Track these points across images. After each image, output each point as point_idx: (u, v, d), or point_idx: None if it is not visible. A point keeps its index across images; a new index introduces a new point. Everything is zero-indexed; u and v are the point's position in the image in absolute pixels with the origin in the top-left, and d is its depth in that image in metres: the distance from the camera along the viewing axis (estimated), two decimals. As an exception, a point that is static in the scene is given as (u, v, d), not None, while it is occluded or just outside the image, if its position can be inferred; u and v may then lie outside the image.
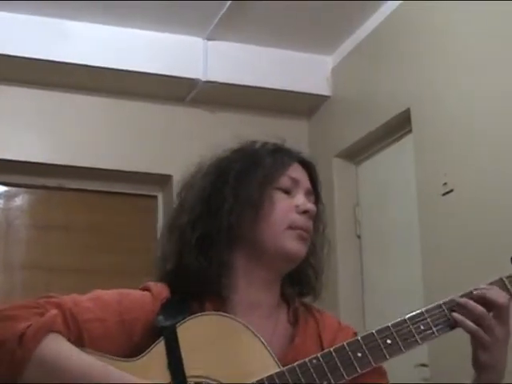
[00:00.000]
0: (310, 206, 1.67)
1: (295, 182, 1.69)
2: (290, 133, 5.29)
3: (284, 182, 1.68)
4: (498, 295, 1.58)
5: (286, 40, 4.50)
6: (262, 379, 1.45)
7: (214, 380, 1.45)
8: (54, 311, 1.45)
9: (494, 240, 3.14)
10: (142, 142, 4.57)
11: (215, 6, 4.10)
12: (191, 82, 4.50)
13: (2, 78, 4.32)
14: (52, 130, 4.43)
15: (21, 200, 4.55)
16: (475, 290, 1.61)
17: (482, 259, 3.18)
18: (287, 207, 1.66)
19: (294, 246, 1.64)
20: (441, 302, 1.60)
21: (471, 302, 1.58)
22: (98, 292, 1.58)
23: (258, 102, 4.69)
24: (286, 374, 1.45)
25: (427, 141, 3.67)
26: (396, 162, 4.13)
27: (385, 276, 4.12)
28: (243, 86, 4.54)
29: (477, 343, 1.56)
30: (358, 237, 4.39)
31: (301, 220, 1.65)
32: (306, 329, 1.66)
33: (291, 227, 1.64)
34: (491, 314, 1.56)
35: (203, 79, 4.46)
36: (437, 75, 3.63)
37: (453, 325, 1.57)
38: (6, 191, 4.54)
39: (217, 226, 1.62)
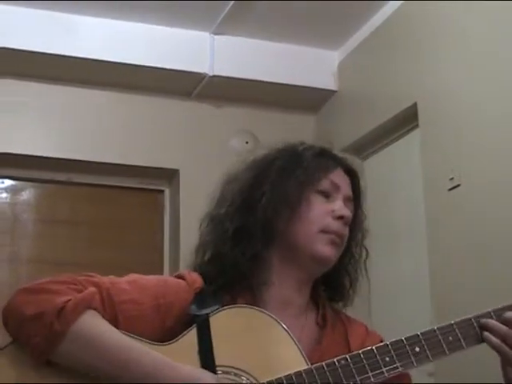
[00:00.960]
0: (346, 211, 1.68)
1: (336, 186, 1.70)
2: (297, 127, 5.30)
3: (324, 185, 1.69)
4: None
5: (293, 35, 4.50)
6: (289, 374, 1.46)
7: (243, 371, 1.48)
8: (92, 289, 1.48)
9: (501, 235, 3.14)
10: (148, 136, 4.57)
11: (222, 0, 4.10)
12: (198, 77, 4.50)
13: (9, 73, 4.33)
14: (59, 124, 4.44)
15: (28, 194, 4.56)
16: (497, 310, 1.62)
17: (489, 254, 3.17)
18: (323, 211, 1.67)
19: (325, 249, 1.65)
20: (471, 316, 1.62)
21: (495, 323, 1.60)
22: (136, 276, 1.61)
23: (265, 96, 4.69)
24: (314, 371, 1.47)
25: (434, 135, 3.66)
26: (403, 156, 4.12)
27: (391, 271, 4.12)
28: (250, 81, 4.54)
29: (504, 360, 1.58)
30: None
31: (335, 225, 1.66)
32: (333, 332, 1.68)
33: (324, 231, 1.65)
34: None
35: (210, 74, 4.46)
36: (443, 69, 3.62)
37: (480, 339, 1.60)
38: (12, 185, 4.55)
39: (253, 219, 1.64)
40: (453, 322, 1.59)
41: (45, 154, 4.39)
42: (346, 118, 4.54)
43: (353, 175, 1.76)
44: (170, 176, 4.68)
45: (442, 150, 3.59)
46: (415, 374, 3.81)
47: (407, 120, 3.95)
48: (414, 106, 3.81)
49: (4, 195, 4.51)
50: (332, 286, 1.76)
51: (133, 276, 1.60)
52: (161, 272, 4.42)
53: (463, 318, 1.61)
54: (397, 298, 3.93)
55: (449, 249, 3.46)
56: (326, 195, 1.69)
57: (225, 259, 1.63)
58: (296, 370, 1.46)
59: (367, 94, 4.34)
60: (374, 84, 4.27)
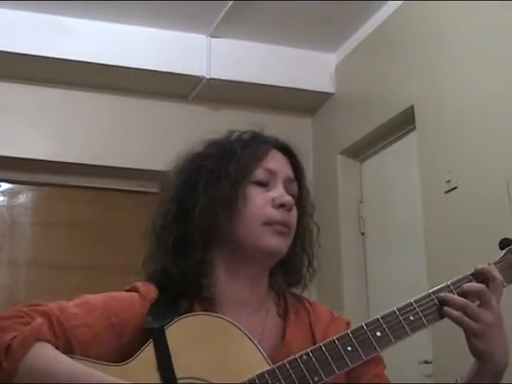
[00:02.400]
0: (287, 198, 1.60)
1: (272, 173, 1.62)
2: (294, 130, 5.30)
3: (259, 174, 1.61)
4: (472, 285, 1.60)
5: (290, 37, 4.50)
6: (253, 378, 1.43)
7: (204, 380, 1.44)
8: (39, 319, 1.42)
9: (498, 237, 3.13)
10: (145, 139, 4.57)
11: (219, 3, 4.10)
12: (195, 80, 4.50)
13: (5, 75, 4.33)
14: (55, 127, 4.44)
15: (25, 197, 4.56)
16: (455, 283, 1.62)
17: (486, 257, 3.17)
18: (262, 202, 1.59)
19: (273, 241, 1.57)
20: (429, 291, 1.60)
21: (453, 296, 1.58)
22: (85, 297, 1.55)
23: (262, 99, 4.69)
24: (277, 371, 1.44)
25: (431, 138, 3.67)
26: (400, 159, 4.12)
27: (389, 273, 4.12)
28: (247, 84, 4.54)
29: (467, 332, 1.55)
30: (362, 234, 4.40)
31: (278, 214, 1.58)
32: (296, 321, 1.63)
33: (268, 223, 1.58)
34: (476, 302, 1.56)
35: (207, 76, 4.46)
36: (440, 72, 3.63)
37: (442, 314, 1.57)
38: (10, 188, 4.54)
39: (191, 227, 1.58)
40: (412, 300, 1.58)
41: (42, 157, 4.38)
42: (343, 121, 4.54)
43: (289, 153, 1.69)
44: (167, 179, 4.67)
45: (439, 152, 3.59)
46: (413, 374, 3.84)
47: (404, 122, 3.95)
48: (411, 108, 3.81)
49: (1, 198, 4.51)
50: (289, 270, 1.69)
51: (82, 298, 1.54)
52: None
53: (422, 294, 1.59)
54: (394, 299, 3.92)
55: (446, 251, 3.46)
56: (264, 184, 1.61)
57: (170, 270, 1.58)
58: (258, 372, 1.44)
59: (364, 97, 4.35)
60: (371, 86, 4.27)
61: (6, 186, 4.54)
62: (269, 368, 1.45)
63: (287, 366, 1.44)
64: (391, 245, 4.14)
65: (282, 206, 1.59)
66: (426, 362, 3.52)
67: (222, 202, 1.58)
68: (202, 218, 1.58)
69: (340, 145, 4.50)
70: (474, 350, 1.54)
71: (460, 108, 3.48)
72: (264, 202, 1.59)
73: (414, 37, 3.89)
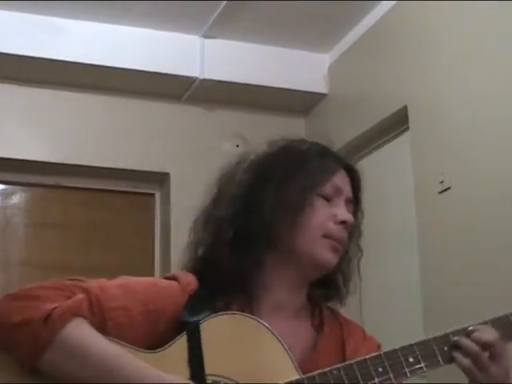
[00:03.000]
0: (349, 216, 1.66)
1: (338, 190, 1.67)
2: (287, 130, 5.28)
3: (327, 189, 1.66)
4: (490, 335, 1.55)
5: (283, 38, 4.50)
6: None
7: (232, 380, 1.45)
8: (80, 295, 1.44)
9: (492, 238, 3.15)
10: (139, 139, 4.57)
11: (212, 3, 4.10)
12: (188, 80, 4.50)
13: (-1, 76, 4.33)
14: (48, 128, 4.43)
15: (18, 198, 4.55)
16: (470, 328, 1.57)
17: (480, 257, 3.18)
18: (326, 216, 1.64)
19: (326, 255, 1.63)
20: (448, 332, 1.57)
21: (466, 341, 1.55)
22: (127, 279, 1.57)
23: (255, 99, 4.69)
24: (306, 381, 1.44)
25: (424, 138, 3.67)
26: (393, 159, 4.13)
27: (382, 274, 4.12)
28: (240, 84, 4.54)
29: (472, 381, 1.54)
30: (355, 234, 4.39)
31: (337, 230, 1.64)
32: (329, 334, 1.66)
33: (326, 236, 1.63)
34: (486, 353, 1.53)
35: (200, 77, 4.46)
36: (434, 73, 3.63)
37: (451, 358, 1.56)
38: (3, 189, 4.54)
39: (255, 224, 1.61)
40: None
41: (35, 158, 4.38)
42: (336, 121, 4.54)
43: (354, 175, 1.74)
44: (160, 179, 4.67)
45: (432, 152, 3.59)
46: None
47: (397, 123, 3.95)
48: (405, 108, 3.82)
49: (-6, 199, 4.51)
50: (326, 285, 1.73)
51: (123, 279, 1.56)
52: (152, 275, 4.41)
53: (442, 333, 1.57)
54: (388, 300, 3.93)
55: (440, 251, 3.46)
56: (328, 199, 1.66)
57: (223, 263, 1.59)
58: (287, 381, 1.44)
59: (357, 97, 4.35)
60: (364, 87, 4.27)
61: (-2, 186, 4.53)
62: (298, 378, 1.45)
63: (316, 378, 1.45)
64: (384, 245, 4.14)
65: (342, 223, 1.64)
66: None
67: (288, 207, 1.61)
68: (267, 217, 1.60)
69: (333, 145, 4.48)
70: None
71: (453, 108, 3.48)
72: (327, 215, 1.64)
73: (407, 37, 3.89)
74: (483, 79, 3.31)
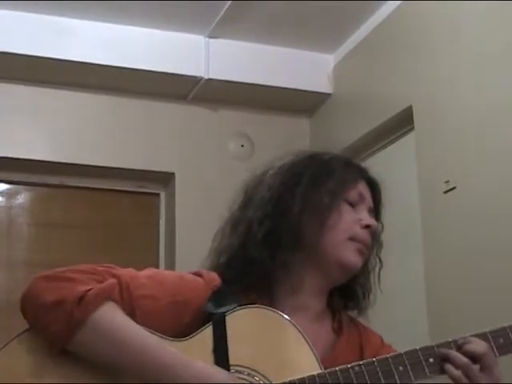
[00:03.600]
0: (373, 221, 1.75)
1: (362, 197, 1.75)
2: (292, 131, 5.30)
3: (352, 195, 1.73)
4: (479, 346, 1.56)
5: (288, 38, 4.50)
6: (303, 378, 1.47)
7: (256, 371, 1.49)
8: (112, 280, 1.49)
9: (497, 238, 3.14)
10: (144, 139, 4.57)
11: (217, 3, 4.09)
12: (193, 80, 4.50)
13: (3, 76, 4.32)
14: (53, 127, 4.43)
15: (22, 198, 4.55)
16: (459, 340, 1.58)
17: (485, 257, 3.17)
18: (351, 219, 1.71)
19: (353, 257, 1.70)
20: (433, 345, 1.58)
21: (454, 353, 1.56)
22: (154, 270, 1.63)
23: (260, 99, 4.69)
24: (327, 376, 1.47)
25: (429, 138, 3.66)
26: (398, 159, 4.12)
27: (387, 274, 4.11)
28: (245, 84, 4.54)
29: None
30: (360, 235, 4.39)
31: (362, 234, 1.71)
32: (348, 339, 1.70)
33: (352, 239, 1.70)
34: (477, 365, 1.54)
35: (205, 77, 4.46)
36: (439, 72, 3.63)
37: (442, 370, 1.56)
38: (7, 189, 4.54)
39: (285, 226, 1.66)
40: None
41: (39, 158, 4.38)
42: (341, 121, 4.53)
43: (375, 187, 1.82)
44: (165, 179, 4.67)
45: (437, 152, 3.59)
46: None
47: (402, 123, 3.95)
48: (410, 108, 3.81)
49: (-1, 199, 4.51)
50: (347, 295, 1.79)
51: (151, 270, 1.62)
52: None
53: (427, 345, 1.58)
54: (392, 301, 3.92)
55: (445, 252, 3.45)
56: (353, 205, 1.73)
57: (253, 262, 1.64)
58: (309, 374, 1.47)
59: (362, 97, 4.34)
60: (369, 87, 4.27)
61: (3, 186, 4.53)
62: (320, 372, 1.48)
63: (338, 373, 1.48)
64: (389, 245, 4.11)
65: (367, 227, 1.73)
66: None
67: (315, 211, 1.68)
68: (296, 220, 1.66)
69: (338, 145, 4.48)
70: None
71: (458, 108, 3.48)
72: (353, 220, 1.72)
73: (411, 37, 3.88)
74: (488, 79, 3.30)
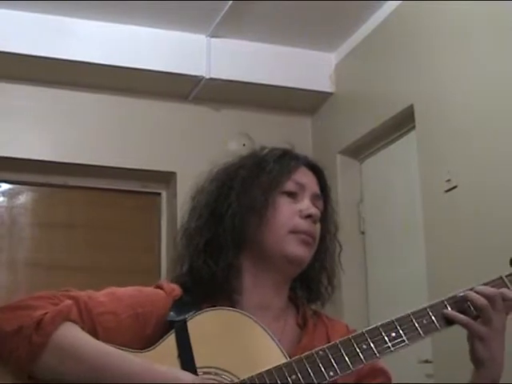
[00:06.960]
0: (314, 210, 1.68)
1: (301, 186, 1.71)
2: (294, 130, 5.30)
3: (289, 186, 1.70)
4: (487, 290, 1.61)
5: (289, 37, 4.50)
6: (269, 369, 1.47)
7: (223, 370, 1.49)
8: (68, 301, 1.49)
9: (498, 236, 3.14)
10: (145, 139, 4.57)
11: (218, 3, 4.10)
12: (195, 80, 4.50)
13: (5, 76, 4.32)
14: (55, 127, 4.44)
15: (24, 198, 4.56)
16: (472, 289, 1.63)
17: (486, 256, 3.17)
18: (291, 211, 1.68)
19: (297, 249, 1.66)
20: (444, 298, 1.62)
21: (473, 294, 1.60)
22: (113, 288, 1.62)
23: (262, 99, 4.70)
24: (294, 364, 1.48)
25: (431, 137, 3.67)
26: (400, 158, 4.12)
27: (389, 272, 4.12)
28: (246, 83, 4.54)
29: (473, 336, 1.57)
30: (362, 233, 4.40)
31: (304, 224, 1.67)
32: (314, 331, 1.69)
33: (294, 231, 1.66)
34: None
35: (207, 76, 4.46)
36: (440, 71, 3.63)
37: (450, 321, 1.59)
38: (9, 189, 4.54)
39: (222, 230, 1.66)
40: (427, 305, 1.60)
41: (41, 158, 4.39)
42: (342, 120, 4.54)
43: (318, 172, 1.77)
44: (167, 179, 4.67)
45: (438, 151, 3.59)
46: (414, 374, 3.83)
47: (404, 122, 3.95)
48: (411, 107, 3.81)
49: (1, 199, 4.51)
50: (309, 286, 1.77)
51: (109, 289, 1.61)
52: (158, 275, 4.43)
53: (436, 300, 1.62)
54: (394, 299, 3.93)
55: (446, 250, 3.46)
56: (292, 196, 1.70)
57: (200, 271, 1.65)
58: (275, 365, 1.48)
59: (364, 96, 4.35)
60: (370, 86, 4.27)
61: (5, 186, 4.54)
62: (285, 361, 1.49)
63: (304, 360, 1.49)
64: (391, 244, 4.14)
65: (308, 216, 1.68)
66: (427, 362, 3.52)
67: (252, 209, 1.67)
68: (233, 223, 1.66)
69: (340, 144, 4.49)
70: (477, 355, 1.57)
71: (459, 107, 3.48)
72: (292, 212, 1.68)
73: (413, 36, 3.89)
74: (490, 77, 3.31)
